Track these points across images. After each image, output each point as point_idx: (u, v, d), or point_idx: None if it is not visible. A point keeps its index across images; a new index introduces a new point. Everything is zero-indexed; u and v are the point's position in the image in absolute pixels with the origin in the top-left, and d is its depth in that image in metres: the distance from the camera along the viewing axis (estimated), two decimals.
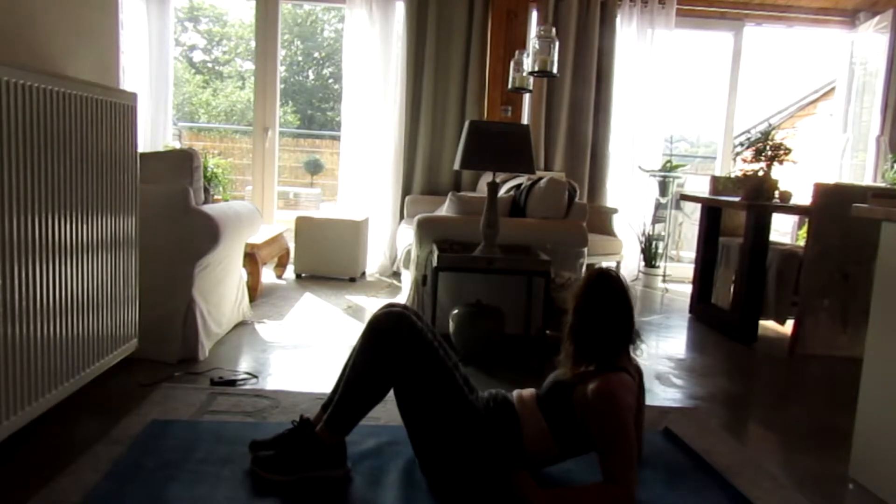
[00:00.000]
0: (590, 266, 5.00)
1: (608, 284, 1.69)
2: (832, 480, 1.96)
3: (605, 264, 5.08)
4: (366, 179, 4.91)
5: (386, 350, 1.65)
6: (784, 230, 5.40)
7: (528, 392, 1.78)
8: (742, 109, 5.78)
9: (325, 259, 4.51)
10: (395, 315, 1.68)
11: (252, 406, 2.19)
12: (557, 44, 3.37)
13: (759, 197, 3.52)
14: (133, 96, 2.27)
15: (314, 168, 11.39)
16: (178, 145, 5.59)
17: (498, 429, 1.67)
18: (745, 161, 3.67)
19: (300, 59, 15.68)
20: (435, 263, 2.72)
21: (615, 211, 4.93)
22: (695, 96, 14.88)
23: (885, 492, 1.84)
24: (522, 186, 3.41)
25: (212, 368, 2.54)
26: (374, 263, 4.89)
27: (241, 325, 3.21)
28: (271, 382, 2.48)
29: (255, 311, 3.47)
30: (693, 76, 14.47)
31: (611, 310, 1.68)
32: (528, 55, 3.59)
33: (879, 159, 5.06)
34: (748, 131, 6.10)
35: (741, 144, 4.95)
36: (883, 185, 4.58)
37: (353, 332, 3.26)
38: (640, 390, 1.80)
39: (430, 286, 2.80)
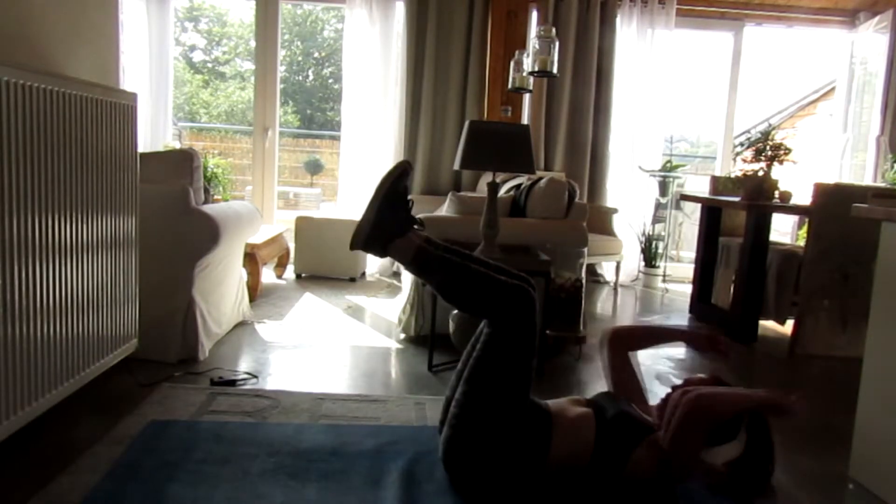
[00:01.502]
0: (590, 266, 5.01)
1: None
2: (832, 480, 1.96)
3: (604, 264, 5.10)
4: (366, 179, 4.90)
5: (517, 302, 1.66)
6: (784, 230, 5.41)
7: (573, 403, 1.76)
8: (742, 109, 5.79)
9: (325, 259, 4.51)
10: (535, 298, 1.72)
11: (252, 406, 2.19)
12: (557, 44, 3.37)
13: (759, 197, 3.52)
14: (133, 96, 2.27)
15: (314, 168, 11.39)
16: (178, 145, 5.59)
17: (528, 432, 1.65)
18: (745, 161, 3.67)
19: (300, 59, 15.69)
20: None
21: (615, 211, 4.94)
22: (695, 96, 14.89)
23: (885, 492, 1.84)
24: (522, 186, 3.41)
25: (212, 368, 2.54)
26: (374, 263, 4.89)
27: (241, 325, 3.21)
28: (271, 382, 2.48)
29: (255, 311, 3.47)
30: (693, 76, 14.48)
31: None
32: (528, 55, 3.59)
33: (879, 159, 5.06)
34: (748, 131, 6.10)
35: (741, 144, 4.95)
36: (883, 185, 4.58)
37: (353, 332, 3.26)
38: None
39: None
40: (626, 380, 1.91)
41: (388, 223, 1.76)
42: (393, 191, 1.77)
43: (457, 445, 1.67)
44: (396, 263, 3.67)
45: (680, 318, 4.07)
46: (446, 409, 1.75)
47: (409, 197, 1.82)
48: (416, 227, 1.82)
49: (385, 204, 1.76)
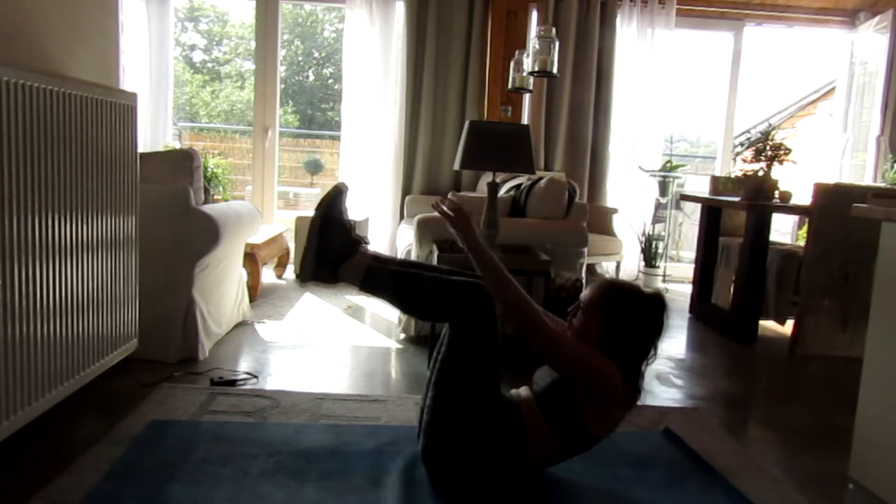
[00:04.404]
0: (590, 266, 5.01)
1: (654, 307, 1.66)
2: (832, 480, 1.96)
3: (605, 264, 5.09)
4: (366, 179, 4.90)
5: (472, 298, 1.66)
6: (784, 230, 5.40)
7: (524, 392, 1.74)
8: (742, 109, 5.78)
9: None
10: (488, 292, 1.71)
11: (252, 406, 2.19)
12: (557, 44, 3.37)
13: (759, 197, 3.52)
14: (133, 96, 2.27)
15: (314, 168, 11.38)
16: (178, 145, 5.60)
17: (502, 428, 1.64)
18: (745, 161, 3.67)
19: (300, 59, 15.68)
20: (435, 263, 2.72)
21: (615, 211, 4.94)
22: (695, 96, 14.88)
23: (885, 492, 1.84)
24: (522, 186, 3.41)
25: (212, 368, 2.54)
26: None
27: (241, 325, 3.21)
28: (271, 382, 2.48)
29: (255, 311, 3.47)
30: (693, 76, 14.47)
31: (647, 333, 1.66)
32: (528, 55, 3.59)
33: (879, 159, 5.06)
34: (748, 131, 6.11)
35: (741, 144, 4.96)
36: (883, 185, 4.58)
37: (353, 332, 3.26)
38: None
39: None
40: None
41: (332, 249, 1.77)
42: (329, 216, 1.77)
43: (434, 451, 1.67)
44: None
45: (680, 318, 4.06)
46: (420, 418, 1.74)
47: (350, 218, 1.82)
48: (362, 246, 1.81)
49: (323, 231, 1.76)
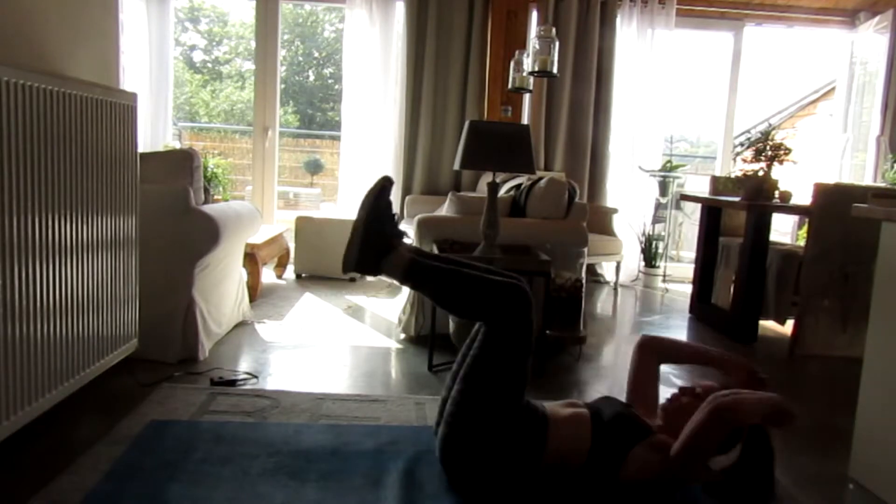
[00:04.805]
0: (590, 266, 5.01)
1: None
2: (832, 480, 1.96)
3: (605, 264, 5.10)
4: (366, 179, 4.90)
5: (512, 300, 1.67)
6: (784, 230, 5.41)
7: (568, 406, 1.76)
8: (742, 109, 5.79)
9: (325, 259, 4.51)
10: (529, 296, 1.72)
11: (252, 406, 2.19)
12: (557, 44, 3.37)
13: (759, 197, 3.52)
14: (133, 96, 2.27)
15: (314, 168, 11.38)
16: (178, 145, 5.60)
17: (523, 430, 1.65)
18: (745, 161, 3.67)
19: (300, 59, 15.68)
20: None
21: (615, 211, 4.94)
22: (695, 96, 14.88)
23: (885, 492, 1.84)
24: (522, 186, 3.41)
25: (212, 368, 2.54)
26: None
27: (241, 325, 3.21)
28: (271, 382, 2.48)
29: (255, 311, 3.47)
30: (693, 76, 14.47)
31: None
32: (528, 55, 3.59)
33: (879, 159, 5.06)
34: (748, 131, 6.12)
35: (741, 144, 4.96)
36: (883, 185, 4.58)
37: (353, 332, 3.26)
38: None
39: None
40: (644, 388, 1.90)
41: (377, 241, 1.77)
42: (376, 208, 1.78)
43: (453, 443, 1.68)
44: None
45: (680, 318, 4.07)
46: (442, 408, 1.76)
47: (395, 212, 1.83)
48: (403, 239, 1.83)
49: (371, 222, 1.77)
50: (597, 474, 1.63)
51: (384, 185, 1.82)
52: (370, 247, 1.77)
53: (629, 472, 1.59)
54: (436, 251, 2.78)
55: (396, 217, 1.83)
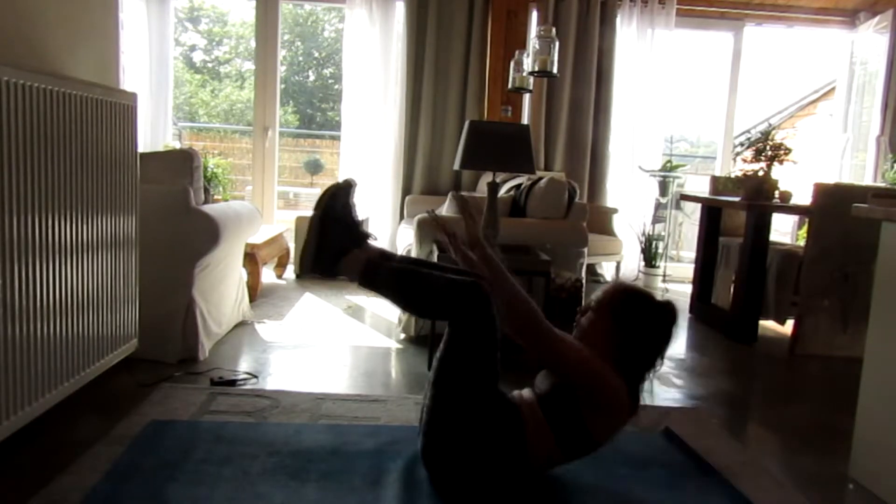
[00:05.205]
0: (590, 266, 5.01)
1: (664, 315, 1.70)
2: (832, 480, 1.96)
3: (605, 264, 5.09)
4: (366, 179, 4.90)
5: (470, 297, 1.65)
6: (784, 230, 5.40)
7: (527, 394, 1.74)
8: (742, 109, 5.79)
9: None
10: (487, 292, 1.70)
11: (252, 406, 2.19)
12: (557, 44, 3.37)
13: (759, 197, 3.52)
14: (133, 96, 2.27)
15: (314, 168, 11.38)
16: (178, 145, 5.60)
17: (501, 427, 1.64)
18: (745, 161, 3.67)
19: (300, 59, 15.68)
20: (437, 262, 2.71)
21: (615, 211, 4.94)
22: (695, 96, 14.88)
23: (885, 492, 1.84)
24: (522, 186, 3.41)
25: (212, 368, 2.54)
26: None
27: (241, 325, 3.21)
28: (271, 382, 2.48)
29: (255, 311, 3.47)
30: (693, 76, 14.47)
31: (654, 340, 1.68)
32: (528, 55, 3.59)
33: (879, 159, 5.06)
34: (748, 131, 6.11)
35: (741, 144, 4.96)
36: (883, 185, 4.58)
37: (353, 332, 3.26)
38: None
39: None
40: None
41: (332, 242, 1.77)
42: (329, 210, 1.77)
43: (433, 451, 1.67)
44: None
45: (680, 318, 4.06)
46: (421, 417, 1.74)
47: (356, 214, 1.83)
48: (367, 241, 1.82)
49: (323, 224, 1.77)
50: (578, 450, 1.66)
51: (338, 188, 1.81)
52: (324, 249, 1.77)
53: (600, 431, 1.62)
54: (436, 251, 2.78)
55: (356, 219, 1.82)
